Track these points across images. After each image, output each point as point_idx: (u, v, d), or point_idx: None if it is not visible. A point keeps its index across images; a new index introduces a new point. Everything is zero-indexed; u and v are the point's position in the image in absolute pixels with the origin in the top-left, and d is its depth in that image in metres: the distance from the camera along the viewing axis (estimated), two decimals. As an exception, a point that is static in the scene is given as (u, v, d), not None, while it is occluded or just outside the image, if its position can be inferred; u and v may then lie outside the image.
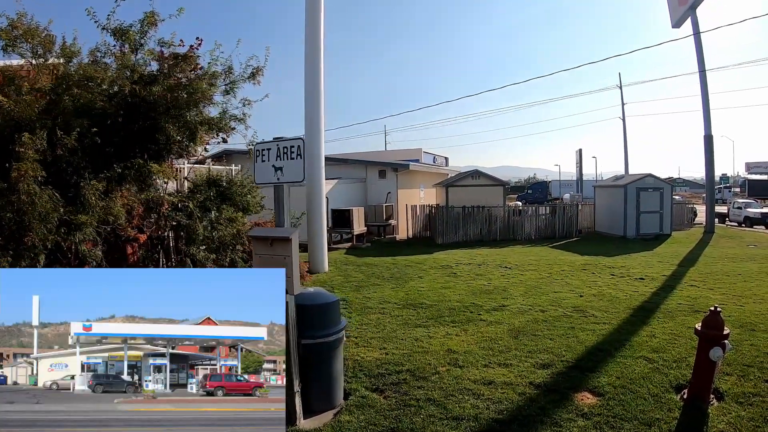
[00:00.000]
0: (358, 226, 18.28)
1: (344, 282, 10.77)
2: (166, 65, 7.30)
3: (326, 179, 20.59)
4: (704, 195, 25.69)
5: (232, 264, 9.47)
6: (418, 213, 21.20)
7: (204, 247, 8.86)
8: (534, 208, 19.80)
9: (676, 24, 19.74)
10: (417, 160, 34.18)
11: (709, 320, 4.17)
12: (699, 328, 4.24)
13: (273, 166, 4.73)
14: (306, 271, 11.56)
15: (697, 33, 18.68)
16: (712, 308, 4.19)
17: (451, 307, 8.14)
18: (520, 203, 28.12)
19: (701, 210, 24.12)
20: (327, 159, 23.60)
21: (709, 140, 19.67)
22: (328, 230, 18.63)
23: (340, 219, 18.24)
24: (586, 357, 5.62)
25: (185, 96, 7.16)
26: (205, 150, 10.16)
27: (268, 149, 4.78)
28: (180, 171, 9.99)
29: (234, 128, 8.14)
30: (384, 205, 20.28)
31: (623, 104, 42.95)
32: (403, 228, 21.19)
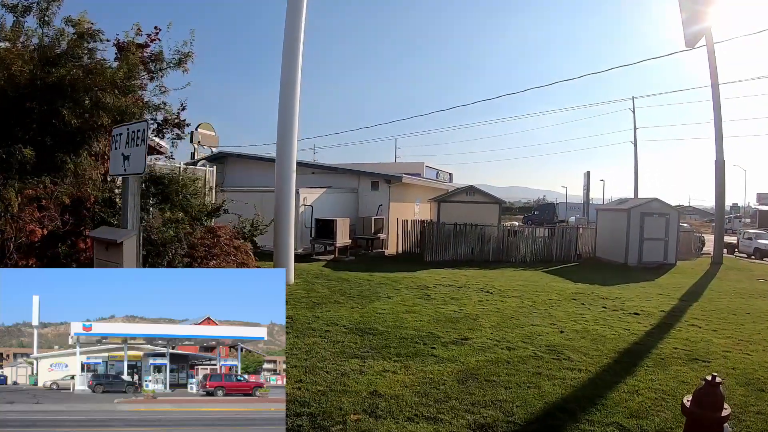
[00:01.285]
0: (342, 238, 17.03)
1: (303, 297, 9.51)
2: (68, 44, 6.32)
3: (313, 187, 19.57)
4: (714, 224, 24.06)
5: (170, 265, 8.37)
6: (409, 228, 19.88)
7: None
8: (531, 229, 18.37)
9: (689, 43, 18.41)
10: (418, 175, 32.98)
11: (703, 395, 2.82)
12: (688, 405, 2.88)
13: (122, 154, 3.60)
14: None
15: (710, 50, 17.37)
16: (709, 378, 2.83)
17: (404, 337, 6.82)
18: (516, 223, 26.65)
19: (710, 239, 22.49)
20: (318, 167, 22.67)
21: (720, 166, 18.18)
22: (310, 240, 17.50)
23: (324, 229, 17.02)
24: (541, 418, 4.26)
25: (82, 76, 6.10)
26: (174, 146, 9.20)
27: (120, 134, 3.63)
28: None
29: (147, 118, 7.13)
30: (373, 217, 19.02)
31: (635, 128, 41.59)
32: (394, 243, 19.89)
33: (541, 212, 51.83)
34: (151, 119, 9.04)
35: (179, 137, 9.43)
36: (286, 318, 7.09)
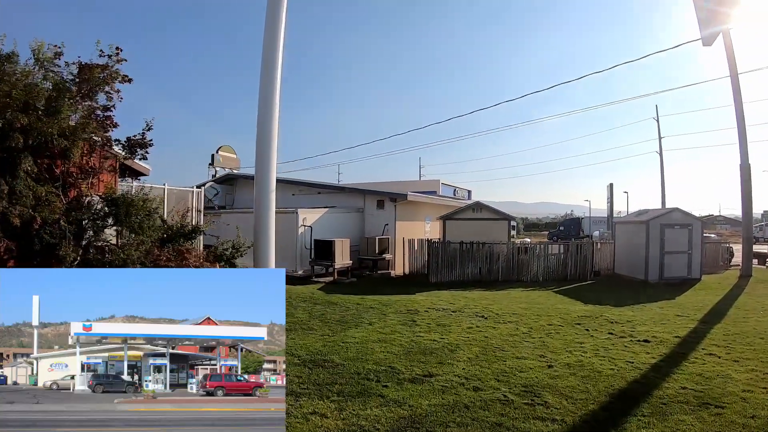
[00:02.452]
0: (342, 259, 16.10)
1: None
2: None
3: (315, 207, 18.78)
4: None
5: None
6: (416, 247, 18.83)
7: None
8: (543, 245, 17.01)
9: (707, 42, 17.00)
10: (434, 192, 31.88)
11: None
12: None
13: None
14: None
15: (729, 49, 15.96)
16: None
17: (359, 371, 5.84)
18: (528, 240, 25.18)
19: (739, 250, 20.62)
20: (324, 187, 21.88)
21: (745, 170, 16.50)
22: (310, 262, 16.63)
23: (323, 251, 16.15)
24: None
25: None
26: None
27: None
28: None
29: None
30: (378, 237, 18.06)
31: (660, 137, 39.69)
32: (401, 263, 18.85)
33: (567, 227, 49.86)
34: (115, 140, 8.51)
35: (144, 157, 8.80)
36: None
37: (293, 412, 4.53)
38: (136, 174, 10.89)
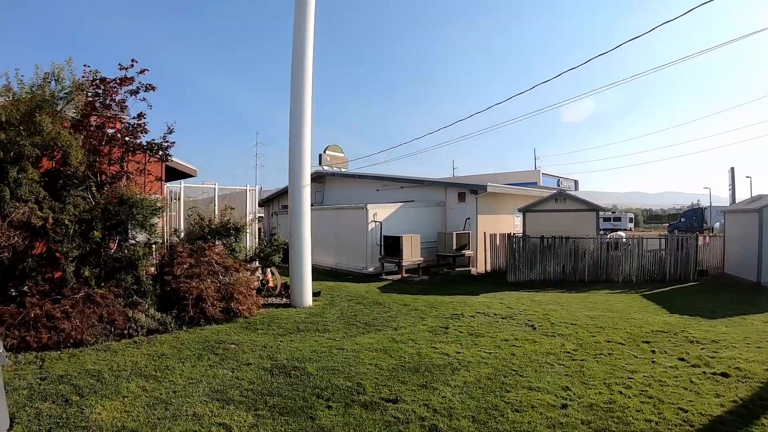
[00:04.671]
0: (411, 256, 15.04)
1: (302, 321, 8.23)
2: None
3: (390, 202, 17.84)
4: None
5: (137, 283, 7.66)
6: (498, 243, 17.08)
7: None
8: (637, 240, 14.26)
9: None
10: (534, 184, 29.22)
11: None
12: None
13: None
14: (260, 305, 9.07)
15: None
16: None
17: (318, 385, 5.03)
18: (623, 233, 21.62)
19: None
20: (407, 181, 20.82)
21: None
22: (379, 259, 15.78)
23: (392, 247, 15.21)
24: None
25: None
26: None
27: None
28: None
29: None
30: (456, 233, 16.63)
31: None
32: (483, 260, 17.24)
33: (688, 219, 42.97)
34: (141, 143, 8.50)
35: (165, 158, 8.67)
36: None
37: (205, 421, 3.81)
38: (184, 175, 10.91)
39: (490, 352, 6.39)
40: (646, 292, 11.62)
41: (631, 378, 5.42)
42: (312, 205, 23.04)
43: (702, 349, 6.50)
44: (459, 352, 6.37)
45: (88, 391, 4.94)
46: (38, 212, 6.74)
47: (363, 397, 4.65)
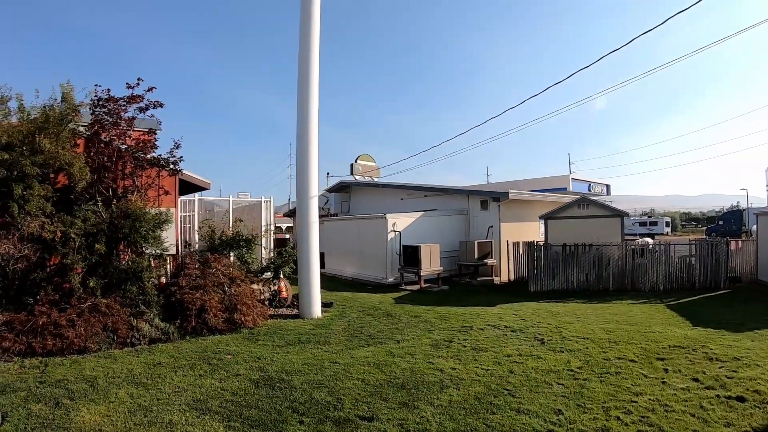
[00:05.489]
0: (430, 266, 14.71)
1: (306, 332, 8.12)
2: None
3: (410, 212, 17.55)
4: None
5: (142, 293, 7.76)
6: (521, 251, 16.52)
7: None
8: (665, 246, 13.43)
9: None
10: (564, 189, 28.30)
11: None
12: None
13: None
14: (266, 315, 9.00)
15: None
16: None
17: (298, 399, 5.00)
18: (650, 240, 20.44)
19: None
20: (431, 189, 20.49)
21: None
22: (399, 269, 15.50)
23: (411, 257, 14.93)
24: None
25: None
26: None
27: None
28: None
29: None
30: (477, 241, 16.19)
31: None
32: (505, 269, 16.71)
33: (726, 221, 40.35)
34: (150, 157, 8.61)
35: (174, 173, 8.76)
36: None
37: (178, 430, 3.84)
38: (199, 188, 11.03)
39: (488, 369, 6.05)
40: (672, 302, 10.89)
41: (634, 401, 4.98)
42: (337, 215, 23.12)
43: (720, 367, 5.95)
44: (454, 368, 6.07)
45: (79, 395, 5.06)
46: (48, 226, 6.88)
47: (338, 413, 4.45)
